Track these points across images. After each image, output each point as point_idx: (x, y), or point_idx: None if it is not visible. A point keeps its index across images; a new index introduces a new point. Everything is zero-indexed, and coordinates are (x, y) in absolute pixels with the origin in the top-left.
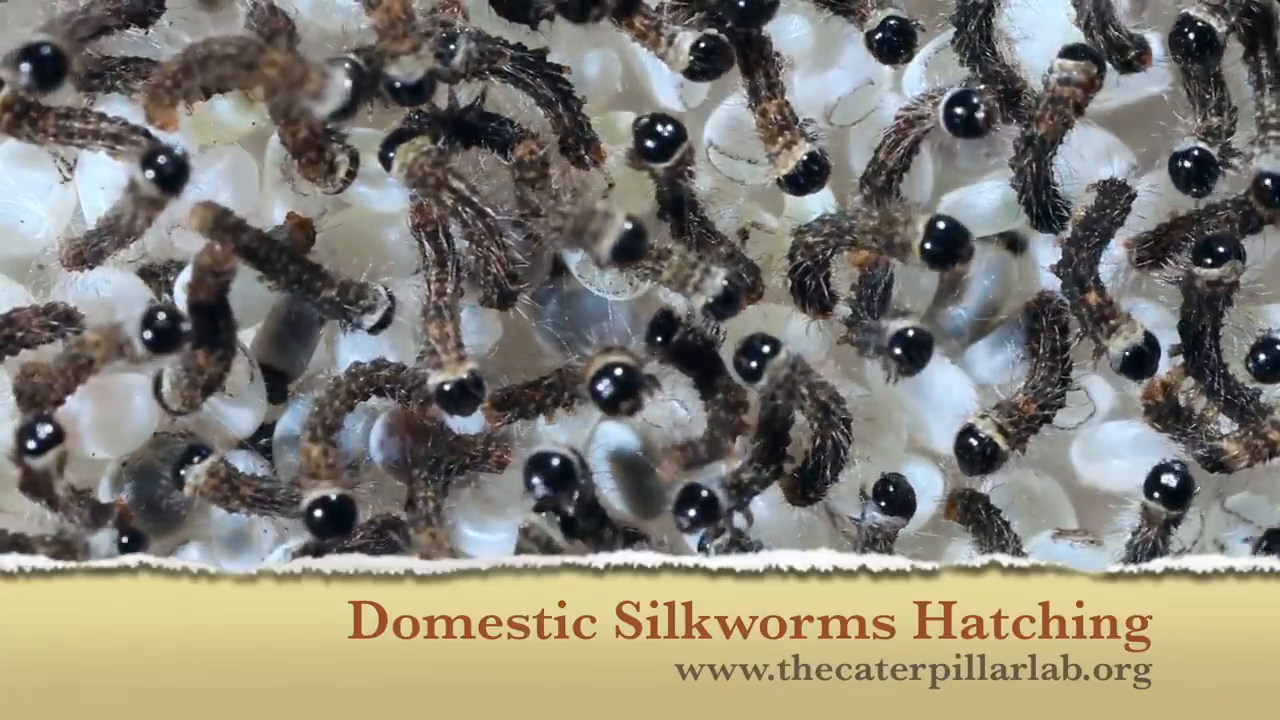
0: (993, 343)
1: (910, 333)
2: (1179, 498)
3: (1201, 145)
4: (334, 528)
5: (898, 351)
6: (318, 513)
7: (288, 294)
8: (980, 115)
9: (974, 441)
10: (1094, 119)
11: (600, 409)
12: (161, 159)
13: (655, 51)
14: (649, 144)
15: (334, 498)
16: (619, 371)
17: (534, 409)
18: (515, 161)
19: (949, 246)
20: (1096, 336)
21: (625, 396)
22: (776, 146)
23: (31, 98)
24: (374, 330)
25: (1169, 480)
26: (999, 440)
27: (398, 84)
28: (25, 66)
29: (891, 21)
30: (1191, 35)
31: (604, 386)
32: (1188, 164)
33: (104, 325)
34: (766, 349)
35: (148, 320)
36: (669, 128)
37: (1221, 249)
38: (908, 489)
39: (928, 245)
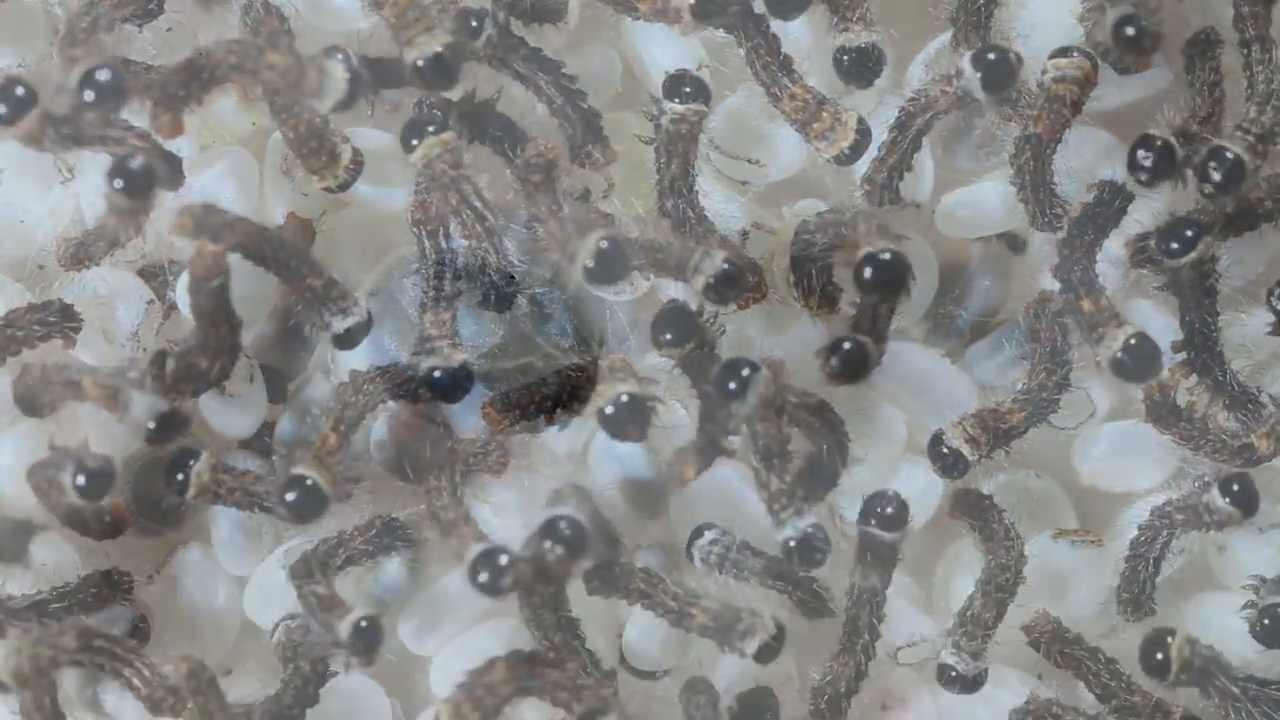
0: (992, 343)
1: (847, 344)
2: (1252, 501)
3: (1168, 137)
4: (300, 512)
5: (833, 362)
6: (291, 493)
7: (282, 284)
8: (1012, 58)
9: (944, 450)
10: (1094, 119)
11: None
12: (131, 165)
13: (666, 16)
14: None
15: (309, 481)
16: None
17: (534, 410)
18: (522, 161)
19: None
20: (1090, 340)
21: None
22: (824, 122)
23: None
24: (339, 340)
25: (1240, 484)
26: (965, 450)
27: (420, 63)
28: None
29: (857, 47)
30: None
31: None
32: (1145, 151)
33: (106, 382)
34: (746, 370)
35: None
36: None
37: (1188, 232)
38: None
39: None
